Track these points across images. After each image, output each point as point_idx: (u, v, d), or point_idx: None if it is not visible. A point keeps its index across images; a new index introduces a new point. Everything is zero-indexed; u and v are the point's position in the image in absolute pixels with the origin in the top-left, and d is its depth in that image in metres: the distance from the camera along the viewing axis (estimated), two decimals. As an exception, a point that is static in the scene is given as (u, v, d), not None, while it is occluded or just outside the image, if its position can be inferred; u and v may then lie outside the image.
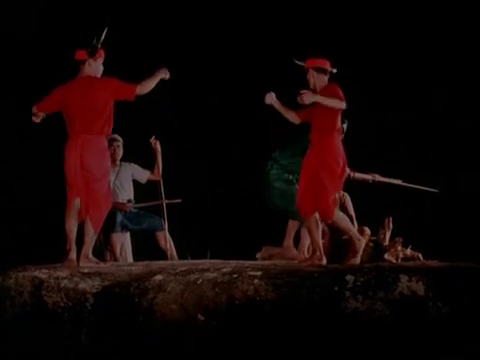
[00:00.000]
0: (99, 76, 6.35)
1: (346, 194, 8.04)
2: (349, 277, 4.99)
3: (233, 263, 6.09)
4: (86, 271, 5.78)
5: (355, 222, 7.88)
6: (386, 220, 7.70)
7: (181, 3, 9.17)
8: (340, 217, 6.33)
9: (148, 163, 7.70)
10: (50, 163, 9.21)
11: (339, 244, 7.87)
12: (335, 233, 7.92)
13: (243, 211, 6.68)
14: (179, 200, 7.78)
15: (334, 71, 6.40)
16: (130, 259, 7.58)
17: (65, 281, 5.62)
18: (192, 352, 5.12)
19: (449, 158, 9.20)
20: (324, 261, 6.13)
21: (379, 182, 7.03)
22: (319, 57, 6.40)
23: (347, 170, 6.68)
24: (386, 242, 7.69)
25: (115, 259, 7.39)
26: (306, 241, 6.91)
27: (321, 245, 6.24)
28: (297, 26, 9.23)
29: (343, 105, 6.19)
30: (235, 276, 5.23)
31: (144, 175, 7.70)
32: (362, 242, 6.41)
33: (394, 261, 7.45)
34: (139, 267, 6.05)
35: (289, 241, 6.85)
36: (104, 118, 6.24)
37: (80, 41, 6.37)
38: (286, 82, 6.96)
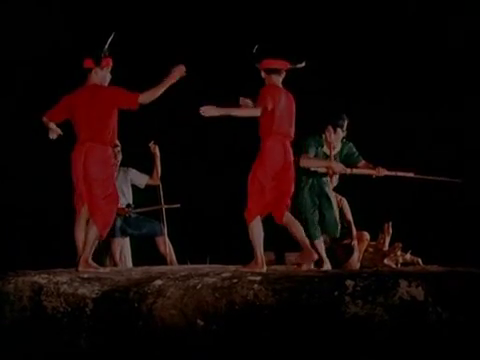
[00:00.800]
0: (106, 84, 6.38)
1: (343, 199, 8.05)
2: (349, 282, 4.99)
3: (233, 268, 6.09)
4: (86, 276, 5.77)
5: (354, 227, 7.89)
6: (386, 225, 7.72)
7: (185, 9, 9.22)
8: (255, 228, 6.19)
9: (147, 168, 7.71)
10: (51, 166, 9.25)
11: (338, 249, 7.88)
12: (335, 240, 7.94)
13: (243, 216, 6.66)
14: (178, 205, 7.78)
15: (290, 67, 6.32)
16: (129, 264, 7.58)
17: (64, 286, 5.62)
18: (192, 357, 5.12)
19: (449, 162, 9.20)
20: (264, 268, 5.97)
21: (386, 176, 6.89)
22: (272, 57, 6.33)
23: (340, 167, 6.68)
24: (386, 247, 7.70)
25: (115, 264, 7.39)
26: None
27: (261, 251, 6.07)
28: (297, 27, 9.26)
29: (256, 113, 6.09)
30: (235, 281, 5.23)
31: (143, 180, 7.70)
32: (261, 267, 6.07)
33: (394, 266, 7.46)
34: (138, 272, 6.05)
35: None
36: (108, 127, 6.27)
37: (91, 49, 6.40)
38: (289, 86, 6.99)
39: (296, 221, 6.21)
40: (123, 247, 7.58)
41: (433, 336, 4.78)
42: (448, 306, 4.81)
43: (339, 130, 6.80)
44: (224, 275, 5.38)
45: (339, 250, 7.84)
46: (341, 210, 8.02)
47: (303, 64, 6.35)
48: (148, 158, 7.66)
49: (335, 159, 6.82)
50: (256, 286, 5.13)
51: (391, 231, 7.73)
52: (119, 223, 7.45)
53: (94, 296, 5.52)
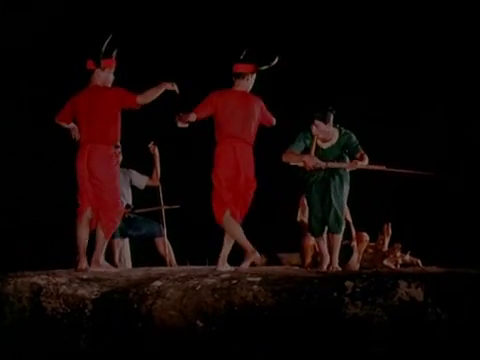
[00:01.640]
0: (109, 85, 6.43)
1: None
2: (348, 283, 4.99)
3: (232, 269, 6.09)
4: (85, 277, 5.77)
5: (353, 228, 7.89)
6: (385, 226, 7.72)
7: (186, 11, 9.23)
8: (229, 224, 6.29)
9: (147, 169, 7.70)
10: (51, 166, 9.26)
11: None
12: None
13: (242, 217, 6.67)
14: (178, 206, 7.78)
15: (257, 70, 6.41)
16: (129, 265, 7.58)
17: (64, 287, 5.62)
18: (191, 358, 5.12)
19: (449, 164, 9.20)
20: (257, 255, 6.25)
21: (360, 169, 6.84)
22: (240, 61, 6.45)
23: (314, 161, 6.61)
24: (385, 248, 7.70)
25: (114, 265, 7.38)
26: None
27: (246, 241, 6.27)
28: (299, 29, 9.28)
29: (192, 118, 6.35)
30: (234, 282, 5.23)
31: (143, 181, 7.70)
32: (254, 256, 6.24)
33: (393, 267, 7.46)
34: (138, 273, 6.04)
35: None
36: (110, 127, 6.33)
37: (92, 50, 6.44)
38: (287, 89, 7.00)
39: (235, 225, 6.30)
40: (122, 248, 7.58)
41: (432, 337, 4.78)
42: (447, 307, 4.81)
43: (320, 123, 6.64)
44: (223, 276, 5.38)
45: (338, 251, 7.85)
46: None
47: (272, 64, 6.43)
48: (148, 159, 7.65)
49: (330, 151, 6.72)
50: (255, 287, 5.12)
51: (390, 232, 7.74)
52: (118, 224, 7.45)
53: (93, 297, 5.52)
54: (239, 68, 6.40)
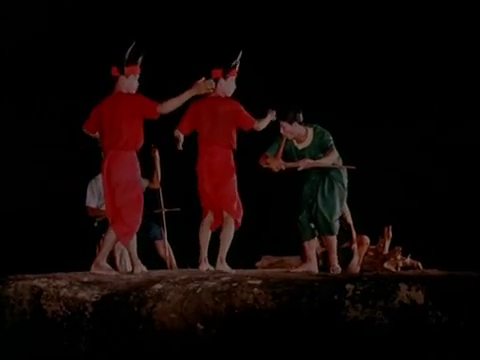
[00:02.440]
0: (133, 92, 6.47)
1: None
2: (349, 286, 4.99)
3: (232, 272, 6.09)
4: (85, 280, 5.77)
5: (354, 231, 7.88)
6: (386, 229, 7.70)
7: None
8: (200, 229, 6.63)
9: (147, 171, 7.70)
10: (52, 168, 9.26)
11: (338, 253, 7.87)
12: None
13: (242, 220, 6.67)
14: (178, 209, 7.78)
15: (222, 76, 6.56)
16: (129, 268, 7.57)
17: (64, 290, 5.62)
18: (191, 361, 5.12)
19: (448, 165, 9.21)
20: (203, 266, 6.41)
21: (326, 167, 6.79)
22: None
23: (276, 163, 6.55)
24: (386, 251, 7.69)
25: (114, 268, 7.37)
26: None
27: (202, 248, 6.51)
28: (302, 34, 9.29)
29: (178, 136, 6.69)
30: (234, 285, 5.23)
31: (143, 184, 7.68)
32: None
33: (394, 270, 7.45)
34: (138, 276, 6.04)
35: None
36: (130, 134, 6.36)
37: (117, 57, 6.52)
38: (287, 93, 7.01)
39: (202, 231, 6.56)
40: (123, 251, 7.57)
41: (433, 340, 4.78)
42: (448, 310, 4.81)
43: (285, 123, 6.54)
44: (224, 279, 5.38)
45: (339, 254, 7.84)
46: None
47: (234, 63, 6.55)
48: (148, 162, 7.65)
49: (308, 151, 6.61)
50: (256, 290, 5.12)
51: (391, 235, 7.72)
52: (136, 231, 7.44)
53: (94, 300, 5.52)
54: (212, 74, 6.56)
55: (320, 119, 7.04)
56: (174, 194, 7.79)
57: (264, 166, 6.64)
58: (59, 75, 9.35)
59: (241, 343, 5.03)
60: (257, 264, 7.17)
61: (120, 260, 7.49)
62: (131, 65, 6.42)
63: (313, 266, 6.63)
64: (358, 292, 4.94)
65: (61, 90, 9.39)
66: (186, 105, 6.56)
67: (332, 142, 6.60)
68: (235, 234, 6.66)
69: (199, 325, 5.15)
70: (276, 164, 6.55)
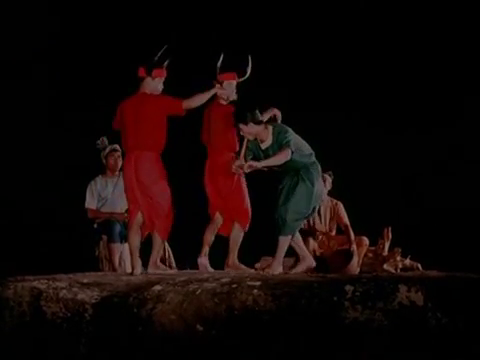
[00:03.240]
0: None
1: (339, 203, 8.07)
2: (348, 287, 4.99)
3: (232, 273, 6.09)
4: (85, 281, 5.77)
5: (352, 232, 7.90)
6: (385, 230, 7.72)
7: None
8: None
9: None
10: (53, 169, 9.26)
11: (337, 255, 7.89)
12: (335, 245, 7.95)
13: (241, 222, 6.69)
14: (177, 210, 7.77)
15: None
16: (129, 269, 7.57)
17: (64, 291, 5.62)
18: (191, 362, 5.12)
19: (447, 166, 9.22)
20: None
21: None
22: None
23: (236, 163, 6.46)
24: (385, 252, 7.71)
25: (114, 269, 7.38)
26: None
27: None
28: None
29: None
30: (234, 286, 5.22)
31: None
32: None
33: (393, 271, 7.46)
34: (138, 277, 6.05)
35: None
36: (156, 134, 6.43)
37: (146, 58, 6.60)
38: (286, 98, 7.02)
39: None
40: (122, 252, 7.58)
41: (433, 341, 4.78)
42: (448, 311, 4.81)
43: (241, 125, 6.42)
44: (223, 280, 5.38)
45: (338, 255, 7.86)
46: (337, 214, 8.04)
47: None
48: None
49: (272, 150, 6.45)
50: (255, 291, 5.12)
51: (390, 236, 7.74)
52: (118, 228, 7.46)
53: (93, 301, 5.52)
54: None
55: (319, 119, 7.08)
56: (174, 195, 7.79)
57: (232, 170, 6.54)
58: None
59: (241, 344, 5.03)
60: (256, 265, 7.17)
61: (119, 261, 7.49)
62: (159, 68, 6.50)
63: (309, 261, 6.52)
64: (358, 293, 4.94)
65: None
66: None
67: (289, 139, 6.36)
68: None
69: (199, 326, 5.15)
70: (235, 166, 6.42)
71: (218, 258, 6.87)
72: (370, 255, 7.83)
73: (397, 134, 9.33)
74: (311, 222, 7.95)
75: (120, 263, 7.51)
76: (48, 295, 5.61)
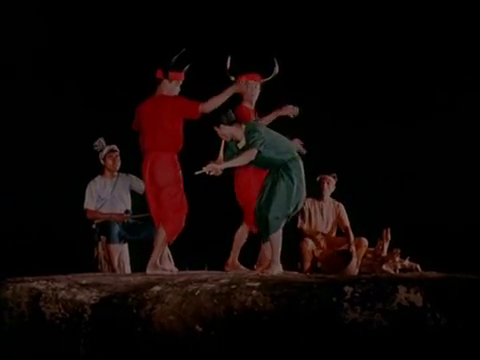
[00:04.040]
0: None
1: (341, 204, 8.07)
2: (347, 288, 4.98)
3: (231, 274, 6.09)
4: (84, 282, 5.77)
5: (351, 233, 7.90)
6: (384, 231, 7.73)
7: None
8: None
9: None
10: (51, 171, 9.26)
11: (336, 256, 7.89)
12: (334, 246, 7.95)
13: (241, 222, 6.67)
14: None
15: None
16: (128, 270, 7.57)
17: (63, 292, 5.61)
18: (190, 363, 5.12)
19: (447, 168, 9.22)
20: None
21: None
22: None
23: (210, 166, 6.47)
24: (384, 253, 7.71)
25: (113, 270, 7.38)
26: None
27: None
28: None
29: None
30: (233, 287, 5.22)
31: (142, 186, 7.68)
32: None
33: (392, 272, 7.46)
34: (137, 278, 6.04)
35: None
36: (172, 135, 6.46)
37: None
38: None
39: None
40: (121, 253, 7.57)
41: (432, 342, 4.78)
42: (447, 312, 4.81)
43: (216, 127, 6.43)
44: (222, 281, 5.38)
45: (337, 256, 7.86)
46: (338, 216, 8.05)
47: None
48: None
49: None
50: (254, 292, 5.12)
51: (390, 237, 7.74)
52: (117, 229, 7.45)
53: (92, 302, 5.52)
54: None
55: (319, 120, 7.08)
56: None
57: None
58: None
59: (240, 345, 5.02)
60: (256, 267, 7.17)
61: (118, 262, 7.49)
62: (176, 71, 6.55)
63: (276, 268, 6.39)
64: (357, 294, 4.94)
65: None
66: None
67: (255, 139, 6.31)
68: (234, 236, 6.70)
69: (198, 327, 5.14)
70: (206, 168, 6.34)
71: (218, 259, 6.86)
72: (369, 256, 7.84)
73: (397, 135, 9.33)
74: (313, 223, 7.95)
75: (119, 264, 7.50)
76: (47, 296, 5.61)
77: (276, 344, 4.96)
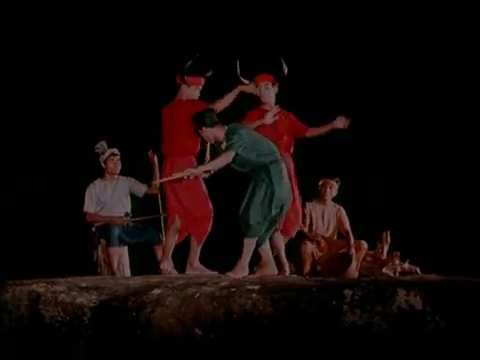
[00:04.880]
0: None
1: (341, 208, 8.06)
2: (347, 291, 4.99)
3: (231, 277, 6.09)
4: (83, 285, 5.77)
5: (351, 236, 7.89)
6: (384, 234, 7.72)
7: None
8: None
9: (145, 177, 7.70)
10: (51, 173, 9.26)
11: (336, 259, 7.88)
12: (333, 249, 7.95)
13: (240, 225, 6.67)
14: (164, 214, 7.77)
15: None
16: (128, 273, 7.57)
17: (62, 295, 5.61)
18: (190, 366, 5.11)
19: (447, 169, 9.22)
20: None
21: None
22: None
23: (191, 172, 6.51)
24: (384, 256, 7.70)
25: (112, 273, 7.37)
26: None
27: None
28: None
29: None
30: (233, 290, 5.22)
31: (142, 189, 7.70)
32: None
33: (392, 275, 7.46)
34: (137, 281, 6.04)
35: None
36: (189, 140, 6.57)
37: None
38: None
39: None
40: (121, 256, 7.56)
41: (431, 345, 4.78)
42: (446, 315, 4.81)
43: (201, 130, 6.47)
44: (222, 284, 5.38)
45: (337, 259, 7.85)
46: (338, 219, 8.04)
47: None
48: (147, 167, 7.65)
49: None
50: (254, 295, 5.12)
51: (389, 240, 7.74)
52: (117, 232, 7.44)
53: (92, 305, 5.51)
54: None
55: (320, 121, 7.07)
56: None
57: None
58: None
59: (239, 348, 5.02)
60: (256, 269, 7.17)
61: (118, 265, 7.48)
62: (193, 76, 6.65)
63: (271, 268, 6.51)
64: (356, 297, 4.94)
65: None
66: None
67: (232, 142, 6.33)
68: (233, 239, 6.68)
69: (197, 330, 5.14)
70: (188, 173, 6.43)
71: (218, 258, 6.85)
72: (369, 259, 7.83)
73: (397, 135, 9.33)
74: (314, 226, 7.95)
75: (119, 267, 7.49)
76: (47, 299, 5.61)
77: (276, 347, 4.96)
